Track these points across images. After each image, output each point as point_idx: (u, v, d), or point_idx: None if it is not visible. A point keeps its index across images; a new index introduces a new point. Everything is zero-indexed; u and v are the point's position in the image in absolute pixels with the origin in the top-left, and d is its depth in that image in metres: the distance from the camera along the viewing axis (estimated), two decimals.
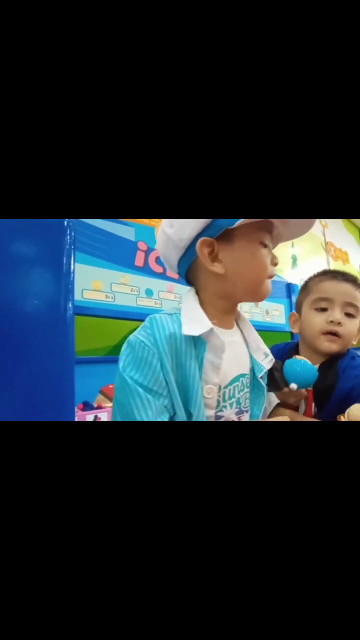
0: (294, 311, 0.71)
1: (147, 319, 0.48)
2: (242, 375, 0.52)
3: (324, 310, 0.60)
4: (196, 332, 0.45)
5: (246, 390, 0.53)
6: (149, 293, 1.13)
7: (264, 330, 1.69)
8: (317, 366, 0.58)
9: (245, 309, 1.65)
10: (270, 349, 0.82)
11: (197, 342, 0.47)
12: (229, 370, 0.50)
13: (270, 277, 0.51)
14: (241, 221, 0.43)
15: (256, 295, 0.53)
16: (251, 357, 0.54)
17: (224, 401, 0.50)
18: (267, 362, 0.54)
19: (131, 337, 0.46)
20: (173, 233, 0.48)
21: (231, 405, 0.50)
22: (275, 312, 1.88)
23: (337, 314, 0.59)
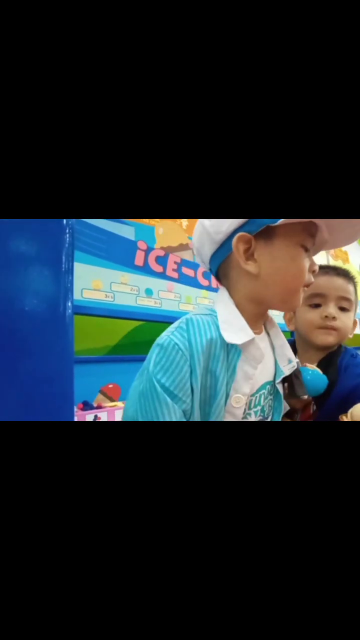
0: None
1: (183, 319, 0.45)
2: (268, 383, 0.50)
3: (318, 305, 0.60)
4: (239, 341, 0.43)
5: (270, 397, 0.51)
6: (149, 292, 1.13)
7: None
8: (315, 364, 0.58)
9: None
10: None
11: (231, 349, 0.44)
12: (258, 378, 0.48)
13: (307, 285, 0.47)
14: (283, 220, 0.39)
15: (287, 303, 0.49)
16: (275, 362, 0.51)
17: (249, 409, 0.48)
18: (288, 367, 0.51)
19: (164, 337, 0.43)
20: (210, 225, 0.45)
21: (255, 412, 0.48)
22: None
23: (331, 309, 0.59)
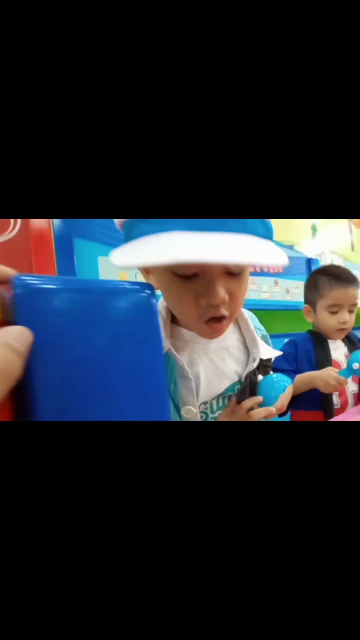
0: (305, 305, 0.94)
1: None
2: (237, 384, 0.47)
3: (335, 313, 0.83)
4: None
5: (234, 401, 0.47)
6: None
7: (285, 310, 1.68)
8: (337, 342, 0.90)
9: (264, 288, 1.64)
10: (288, 342, 0.91)
11: (168, 361, 0.41)
12: (215, 384, 0.45)
13: (208, 320, 0.38)
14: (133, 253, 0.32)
15: (192, 329, 0.42)
16: (247, 360, 0.49)
17: (212, 412, 0.46)
18: (250, 366, 0.47)
19: None
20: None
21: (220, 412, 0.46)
22: (295, 290, 1.86)
23: (346, 316, 0.83)
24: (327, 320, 0.84)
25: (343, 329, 0.84)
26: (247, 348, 0.49)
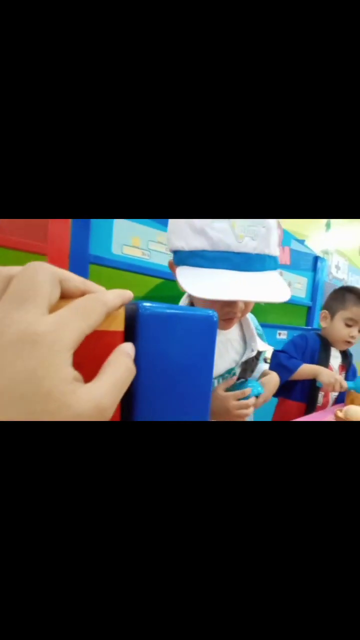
0: (324, 310, 1.05)
1: None
2: (231, 369, 0.61)
3: (350, 326, 0.96)
4: None
5: (234, 378, 0.61)
6: None
7: (284, 303, 1.73)
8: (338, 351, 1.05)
9: None
10: (301, 335, 1.00)
11: None
12: (218, 366, 0.59)
13: (223, 318, 0.53)
14: (192, 291, 0.44)
15: None
16: (244, 351, 0.63)
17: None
18: (247, 355, 0.62)
19: None
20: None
21: None
22: (297, 285, 1.90)
23: (356, 332, 0.96)
24: (340, 330, 0.98)
25: (349, 342, 0.98)
26: (246, 342, 0.63)
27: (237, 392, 0.57)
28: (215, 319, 0.26)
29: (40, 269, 0.16)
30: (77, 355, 0.16)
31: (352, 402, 0.84)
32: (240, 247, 0.45)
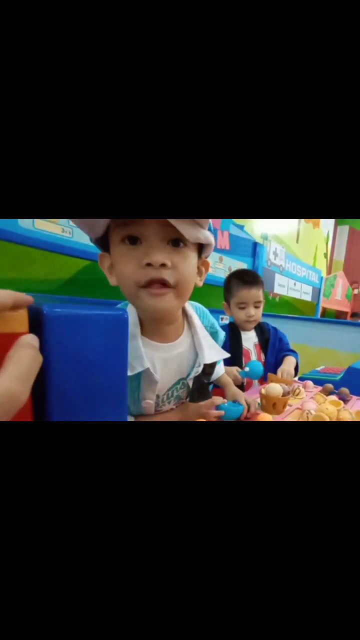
0: (224, 302, 1.11)
1: None
2: (184, 378, 0.56)
3: (243, 308, 1.03)
4: (131, 372, 0.46)
5: (184, 387, 0.57)
6: None
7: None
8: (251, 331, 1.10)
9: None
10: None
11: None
12: (169, 379, 0.54)
13: (145, 284, 0.43)
14: (79, 220, 0.42)
15: (139, 308, 0.48)
16: (194, 361, 0.56)
17: (162, 402, 0.55)
18: (195, 370, 0.56)
19: None
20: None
21: (169, 402, 0.57)
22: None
23: (251, 311, 1.03)
24: (238, 314, 1.06)
25: (249, 321, 1.05)
26: (196, 352, 0.56)
27: (209, 403, 0.58)
28: (125, 316, 0.27)
29: None
30: None
31: (272, 381, 0.88)
32: None
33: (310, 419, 0.66)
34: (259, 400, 0.74)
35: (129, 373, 0.44)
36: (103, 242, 0.45)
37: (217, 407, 0.60)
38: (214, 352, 0.57)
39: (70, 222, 0.93)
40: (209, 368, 0.58)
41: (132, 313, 0.49)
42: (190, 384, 0.57)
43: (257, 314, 1.05)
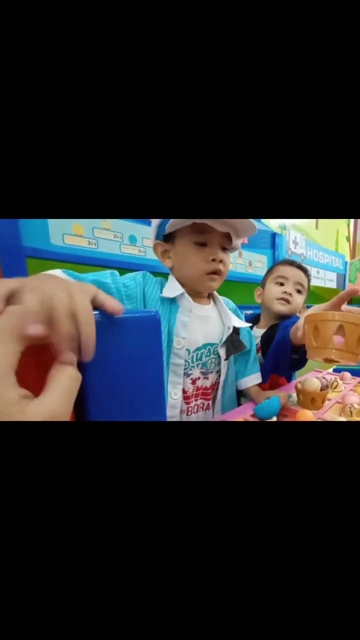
0: (258, 288, 0.98)
1: (141, 273, 0.63)
2: (210, 344, 0.69)
3: (281, 284, 0.89)
4: (171, 294, 0.62)
5: (213, 357, 0.70)
6: (133, 240, 1.10)
7: (246, 282, 1.70)
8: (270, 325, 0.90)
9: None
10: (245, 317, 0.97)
11: (171, 305, 0.64)
12: (198, 337, 0.67)
13: (209, 272, 0.64)
14: (170, 222, 0.58)
15: (196, 287, 0.67)
16: (223, 328, 0.71)
17: (192, 362, 0.67)
18: (227, 333, 0.70)
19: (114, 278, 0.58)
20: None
21: (197, 365, 0.68)
22: (258, 264, 1.88)
23: (289, 287, 0.87)
24: (270, 290, 0.90)
25: (284, 298, 0.86)
26: (223, 322, 0.72)
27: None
28: (158, 317, 0.27)
29: None
30: (24, 368, 0.18)
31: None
32: None
33: (354, 413, 0.61)
34: (290, 394, 0.71)
35: (168, 295, 0.62)
36: (162, 234, 0.64)
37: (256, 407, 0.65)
38: (239, 320, 0.73)
39: (105, 227, 0.99)
40: (235, 339, 0.71)
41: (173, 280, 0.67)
42: (221, 353, 0.70)
43: (295, 296, 0.87)
